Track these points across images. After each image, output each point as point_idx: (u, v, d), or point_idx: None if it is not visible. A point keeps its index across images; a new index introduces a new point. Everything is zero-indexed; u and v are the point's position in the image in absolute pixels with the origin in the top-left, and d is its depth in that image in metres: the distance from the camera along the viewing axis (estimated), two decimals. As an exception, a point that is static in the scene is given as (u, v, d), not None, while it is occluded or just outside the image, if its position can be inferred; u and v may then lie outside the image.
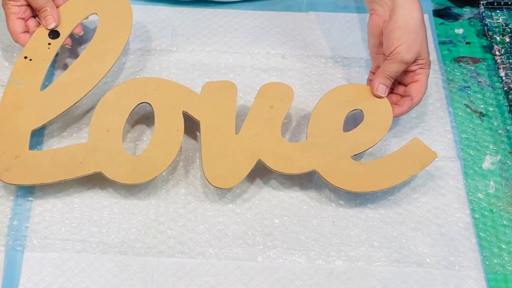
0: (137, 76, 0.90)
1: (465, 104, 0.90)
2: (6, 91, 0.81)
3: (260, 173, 0.81)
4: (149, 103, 0.82)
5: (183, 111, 0.81)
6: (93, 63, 0.84)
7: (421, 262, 0.76)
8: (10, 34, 0.85)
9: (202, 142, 0.79)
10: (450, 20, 1.00)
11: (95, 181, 0.80)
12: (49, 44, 0.84)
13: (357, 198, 0.81)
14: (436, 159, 0.80)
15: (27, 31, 0.86)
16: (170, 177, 0.81)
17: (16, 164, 0.77)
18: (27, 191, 0.79)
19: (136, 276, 0.74)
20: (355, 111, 0.83)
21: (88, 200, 0.79)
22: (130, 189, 0.80)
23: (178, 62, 0.92)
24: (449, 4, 1.02)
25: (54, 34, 0.85)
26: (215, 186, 0.77)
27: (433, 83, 0.91)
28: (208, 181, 0.77)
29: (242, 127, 0.80)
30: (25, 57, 0.83)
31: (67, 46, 0.87)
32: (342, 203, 0.80)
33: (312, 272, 0.75)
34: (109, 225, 0.77)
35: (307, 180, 0.82)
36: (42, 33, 0.85)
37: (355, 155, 0.79)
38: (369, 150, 0.81)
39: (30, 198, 0.79)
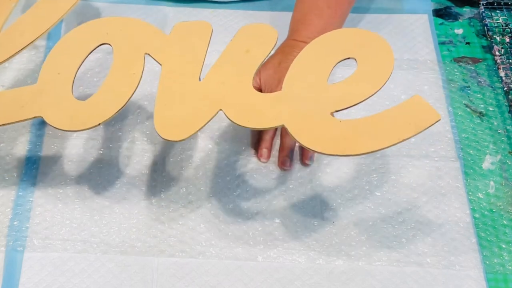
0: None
1: (465, 104, 0.90)
2: None
3: (259, 171, 0.82)
4: (109, 44, 0.74)
5: (145, 53, 0.73)
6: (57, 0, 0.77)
7: (421, 262, 0.76)
8: None
9: (159, 86, 0.70)
10: (450, 20, 1.00)
11: (96, 181, 0.80)
12: None
13: (357, 198, 0.81)
14: (436, 159, 0.79)
15: None
16: (170, 176, 0.81)
17: None
18: (28, 191, 0.79)
19: (136, 276, 0.74)
20: (348, 60, 0.72)
21: (88, 200, 0.79)
22: (131, 188, 0.80)
23: (178, 62, 0.92)
24: (449, 4, 1.02)
25: None
26: (163, 138, 0.68)
27: (433, 83, 0.91)
28: (156, 130, 0.68)
29: (208, 72, 0.71)
30: None
31: None
32: (342, 203, 0.80)
33: (312, 272, 0.75)
34: (110, 225, 0.77)
35: (307, 180, 0.82)
36: None
37: (337, 111, 0.68)
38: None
39: (31, 199, 0.79)
